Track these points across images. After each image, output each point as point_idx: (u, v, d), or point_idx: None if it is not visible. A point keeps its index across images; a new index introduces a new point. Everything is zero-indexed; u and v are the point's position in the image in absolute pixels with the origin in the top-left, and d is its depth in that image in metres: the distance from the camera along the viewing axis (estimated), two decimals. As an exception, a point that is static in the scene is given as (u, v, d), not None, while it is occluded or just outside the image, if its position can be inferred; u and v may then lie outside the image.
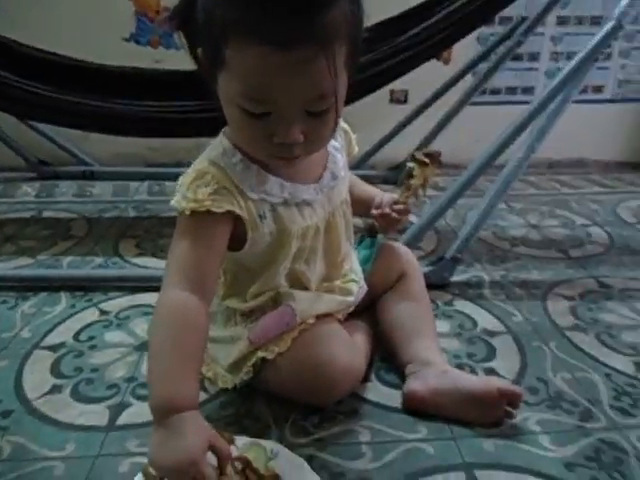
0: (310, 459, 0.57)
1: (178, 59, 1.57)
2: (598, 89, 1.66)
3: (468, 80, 1.46)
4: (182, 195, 0.58)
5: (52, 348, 0.79)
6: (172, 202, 0.59)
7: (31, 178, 1.54)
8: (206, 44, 0.53)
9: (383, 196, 0.76)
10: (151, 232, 1.20)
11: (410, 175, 0.74)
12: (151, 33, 1.52)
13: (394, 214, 0.73)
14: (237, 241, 0.61)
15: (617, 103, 1.68)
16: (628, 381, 0.72)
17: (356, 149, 0.74)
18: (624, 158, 1.74)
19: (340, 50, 0.51)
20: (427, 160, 0.74)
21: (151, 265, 1.05)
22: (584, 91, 1.63)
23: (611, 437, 0.62)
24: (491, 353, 0.78)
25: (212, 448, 0.47)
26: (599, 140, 1.71)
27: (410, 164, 0.75)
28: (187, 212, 0.56)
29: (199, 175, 0.58)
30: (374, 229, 0.79)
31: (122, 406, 0.67)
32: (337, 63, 0.50)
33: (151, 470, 0.51)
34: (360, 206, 0.76)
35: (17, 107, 1.16)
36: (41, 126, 1.48)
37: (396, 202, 0.74)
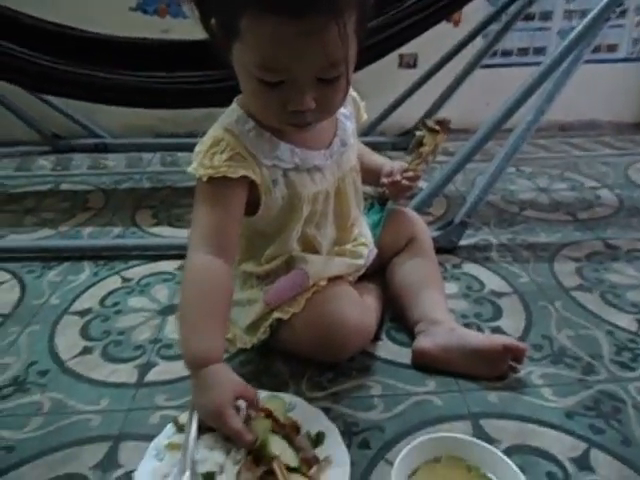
0: (326, 411, 0.61)
1: (186, 28, 1.56)
2: (612, 48, 1.62)
3: (478, 42, 1.44)
4: (199, 162, 0.60)
5: (80, 313, 0.83)
6: (189, 169, 0.62)
7: (46, 151, 1.57)
8: (221, 15, 0.54)
9: (393, 164, 0.78)
10: (166, 202, 1.23)
11: (420, 143, 0.76)
12: (158, 2, 1.51)
13: (405, 181, 0.75)
14: (251, 206, 0.64)
15: (632, 62, 1.65)
16: (630, 337, 0.75)
17: (365, 117, 0.76)
18: (638, 119, 1.71)
19: (350, 18, 0.52)
20: (437, 127, 0.75)
21: (168, 234, 1.09)
22: (597, 50, 1.59)
23: (610, 389, 0.66)
24: (498, 313, 0.81)
25: (240, 397, 0.52)
26: (612, 101, 1.68)
27: (420, 132, 0.76)
28: (204, 179, 0.60)
29: (215, 142, 0.61)
30: (385, 197, 0.81)
31: (149, 365, 0.72)
32: (348, 31, 0.52)
33: (180, 420, 0.56)
34: (369, 175, 0.77)
35: (23, 79, 1.17)
36: (52, 99, 1.50)
37: (406, 170, 0.76)
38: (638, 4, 1.59)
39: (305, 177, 0.65)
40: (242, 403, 0.54)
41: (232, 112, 0.64)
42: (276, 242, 0.68)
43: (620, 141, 1.59)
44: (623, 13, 1.58)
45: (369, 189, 0.85)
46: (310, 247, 0.70)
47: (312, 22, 0.49)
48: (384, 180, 0.76)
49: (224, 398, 0.52)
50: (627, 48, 1.63)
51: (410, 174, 0.75)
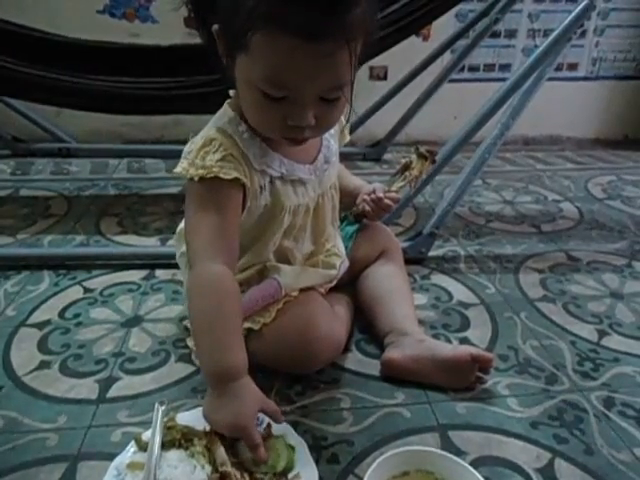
0: (295, 425, 0.60)
1: (155, 33, 1.54)
2: (573, 67, 1.69)
3: (447, 57, 1.47)
4: (190, 162, 0.59)
5: (38, 326, 0.80)
6: (177, 170, 0.60)
7: (5, 155, 1.51)
8: (228, 26, 0.54)
9: (374, 185, 0.79)
10: (132, 210, 1.20)
11: (407, 167, 0.78)
12: (126, 5, 1.48)
13: (387, 201, 0.76)
14: None
15: (591, 81, 1.72)
16: (591, 347, 0.77)
17: (348, 138, 0.77)
18: (596, 135, 1.79)
19: (359, 43, 0.53)
20: (428, 154, 0.78)
21: (133, 243, 1.06)
22: (559, 69, 1.66)
23: (573, 398, 0.67)
24: (465, 323, 0.82)
25: (262, 411, 0.53)
26: (573, 117, 1.75)
27: (411, 156, 0.79)
28: (196, 179, 0.58)
29: (207, 142, 0.60)
30: (362, 214, 0.81)
31: (111, 380, 0.69)
32: (356, 55, 0.53)
33: (143, 437, 0.54)
34: (346, 195, 0.78)
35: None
36: (14, 102, 1.45)
37: (389, 190, 0.78)
38: (597, 26, 1.66)
39: (289, 188, 0.65)
40: (264, 417, 0.55)
41: (224, 114, 0.63)
42: (251, 252, 0.67)
43: (580, 156, 1.66)
44: (583, 34, 1.65)
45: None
46: (284, 259, 0.70)
47: (327, 46, 0.50)
48: (366, 197, 0.78)
49: (251, 410, 0.53)
50: (587, 67, 1.70)
51: (393, 195, 0.77)
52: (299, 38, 0.49)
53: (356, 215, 0.81)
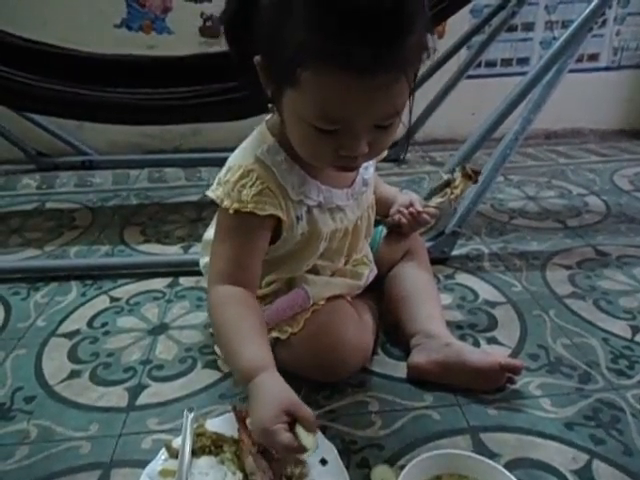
0: (323, 429, 0.60)
1: (171, 44, 1.56)
2: (594, 57, 1.65)
3: (463, 53, 1.46)
4: (226, 192, 0.59)
5: (68, 335, 0.81)
6: (212, 195, 0.61)
7: (31, 170, 1.55)
8: (273, 58, 0.52)
9: (410, 196, 0.78)
10: (155, 219, 1.22)
11: (449, 184, 0.77)
12: (143, 18, 1.50)
13: (425, 215, 0.75)
14: (270, 238, 0.63)
15: (613, 71, 1.68)
16: (625, 344, 0.75)
17: (385, 153, 0.72)
18: (621, 126, 1.74)
19: (417, 66, 0.52)
20: (472, 174, 0.76)
21: (157, 251, 1.07)
22: (579, 60, 1.62)
23: (609, 397, 0.65)
24: (492, 323, 0.81)
25: (291, 414, 0.50)
26: (595, 109, 1.71)
27: (455, 174, 0.77)
28: (231, 211, 0.58)
29: (244, 174, 0.59)
30: (397, 226, 0.79)
31: (140, 387, 0.70)
32: (410, 81, 0.51)
33: (173, 444, 0.54)
34: (381, 205, 0.77)
35: (7, 97, 1.15)
36: (37, 117, 1.48)
37: (427, 205, 0.76)
38: (617, 14, 1.62)
39: (327, 216, 0.65)
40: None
41: (262, 138, 0.62)
42: (282, 270, 0.67)
43: (604, 148, 1.61)
44: (603, 23, 1.61)
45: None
46: (313, 272, 0.69)
47: (381, 78, 0.48)
48: (403, 210, 0.76)
49: (269, 414, 0.50)
50: (608, 57, 1.66)
51: (431, 210, 0.76)
52: (351, 72, 0.47)
53: (390, 226, 0.79)
